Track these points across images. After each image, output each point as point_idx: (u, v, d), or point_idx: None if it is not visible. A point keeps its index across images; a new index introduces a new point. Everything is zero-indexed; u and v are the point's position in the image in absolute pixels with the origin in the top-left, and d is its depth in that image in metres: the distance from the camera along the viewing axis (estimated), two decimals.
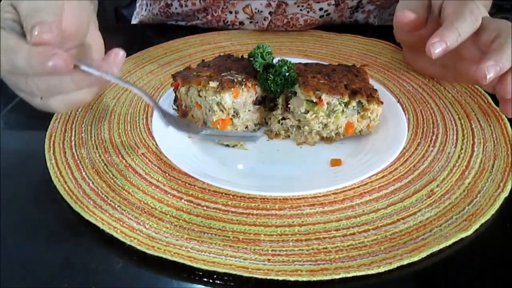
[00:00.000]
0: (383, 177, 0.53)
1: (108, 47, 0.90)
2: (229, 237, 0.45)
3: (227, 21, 0.92)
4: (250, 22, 0.91)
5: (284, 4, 0.87)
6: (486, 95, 0.68)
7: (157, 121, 0.58)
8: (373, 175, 0.52)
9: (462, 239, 0.45)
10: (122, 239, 0.44)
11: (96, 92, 0.48)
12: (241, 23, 0.92)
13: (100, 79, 0.44)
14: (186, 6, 0.91)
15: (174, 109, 0.62)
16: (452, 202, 0.49)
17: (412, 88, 0.71)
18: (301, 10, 0.89)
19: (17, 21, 0.45)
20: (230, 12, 0.90)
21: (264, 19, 0.89)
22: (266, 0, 0.86)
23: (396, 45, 0.84)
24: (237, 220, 0.47)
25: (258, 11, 0.88)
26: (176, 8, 0.93)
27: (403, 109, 0.62)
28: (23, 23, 0.44)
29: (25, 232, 0.47)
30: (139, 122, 0.64)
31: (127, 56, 0.80)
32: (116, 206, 0.48)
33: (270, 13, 0.88)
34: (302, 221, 0.47)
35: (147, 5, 1.03)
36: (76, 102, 0.47)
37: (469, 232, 0.45)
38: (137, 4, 1.10)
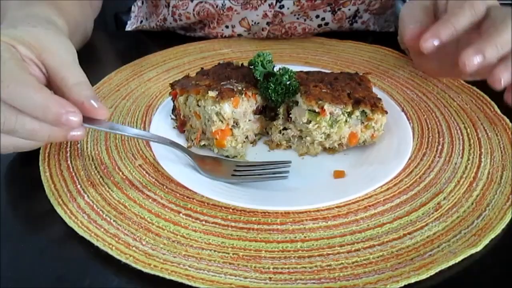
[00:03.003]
0: (388, 189, 0.51)
1: (107, 54, 0.89)
2: (228, 253, 0.43)
3: (225, 35, 0.91)
4: (248, 34, 0.90)
5: (281, 14, 0.85)
6: (492, 103, 0.67)
7: (155, 131, 0.57)
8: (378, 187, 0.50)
9: (471, 255, 0.43)
10: (117, 257, 0.42)
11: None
12: (240, 35, 0.90)
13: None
14: (181, 20, 0.90)
15: (172, 118, 0.60)
16: (460, 216, 0.48)
17: (416, 96, 0.69)
18: (298, 19, 0.87)
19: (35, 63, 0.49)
20: (227, 27, 0.89)
21: (262, 30, 0.88)
22: (263, 11, 0.84)
23: (399, 51, 0.83)
24: (237, 235, 0.45)
25: (255, 23, 0.87)
26: (170, 23, 0.92)
27: (407, 118, 0.60)
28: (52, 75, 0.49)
29: (18, 247, 0.45)
30: None
31: (125, 63, 0.79)
32: (111, 221, 0.46)
33: (267, 23, 0.87)
34: (305, 236, 0.45)
35: (146, 19, 1.02)
36: (20, 147, 0.49)
37: (479, 247, 0.44)
38: (132, 15, 1.09)
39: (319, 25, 0.89)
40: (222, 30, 0.90)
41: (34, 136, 0.46)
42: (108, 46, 0.94)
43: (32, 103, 0.43)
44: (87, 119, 0.47)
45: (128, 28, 1.09)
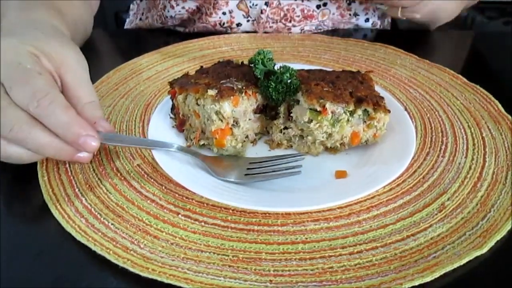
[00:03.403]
0: (391, 189, 0.51)
1: (106, 52, 0.88)
2: (228, 255, 0.42)
3: (223, 23, 0.90)
4: (247, 21, 0.89)
5: None
6: (496, 101, 0.66)
7: (153, 130, 0.56)
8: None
9: (476, 258, 0.42)
10: (115, 261, 0.41)
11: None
12: (239, 24, 0.90)
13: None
14: (178, 5, 0.89)
15: (171, 117, 0.59)
16: (464, 217, 0.47)
17: (419, 95, 0.68)
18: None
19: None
20: (224, 13, 0.88)
21: (262, 12, 0.87)
22: None
23: (401, 49, 0.82)
24: (237, 237, 0.45)
25: (253, 4, 0.86)
26: (168, 11, 0.91)
27: (410, 117, 0.59)
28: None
29: (16, 250, 0.44)
30: (135, 131, 0.61)
31: (124, 61, 0.79)
32: (109, 224, 0.46)
33: (266, 3, 0.86)
34: (306, 238, 0.44)
35: (142, 14, 1.01)
36: (22, 160, 0.48)
37: (484, 250, 0.43)
38: (131, 13, 1.08)
39: (318, 6, 0.89)
40: (220, 17, 0.89)
41: (42, 151, 0.47)
42: (107, 44, 0.94)
43: (57, 121, 0.45)
44: None
45: (127, 26, 1.08)
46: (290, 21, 0.89)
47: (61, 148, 0.46)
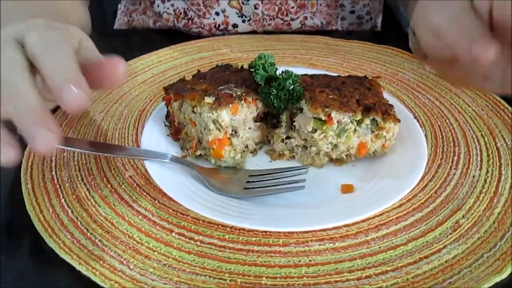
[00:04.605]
0: (400, 205, 0.47)
1: (102, 54, 0.84)
2: (225, 280, 0.39)
3: (218, 25, 0.86)
4: (243, 21, 0.86)
5: None
6: (510, 108, 0.63)
7: (147, 139, 0.53)
8: None
9: (496, 284, 0.39)
10: (101, 284, 0.38)
11: None
12: (235, 25, 0.86)
13: None
14: (169, 0, 0.85)
15: (166, 125, 0.56)
16: (481, 237, 0.43)
17: (428, 101, 0.65)
18: None
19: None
20: (217, 14, 0.85)
21: (255, 7, 0.84)
22: None
23: (408, 51, 0.78)
24: (235, 258, 0.41)
25: (245, 0, 0.83)
26: (158, 6, 0.88)
27: (419, 125, 0.56)
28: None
29: None
30: (128, 139, 0.58)
31: None
32: (96, 240, 0.42)
33: None
34: (310, 260, 0.41)
35: (127, 9, 0.97)
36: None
37: (504, 274, 0.39)
38: (119, 12, 1.04)
39: None
40: (214, 19, 0.86)
41: (15, 98, 0.37)
42: (101, 45, 0.90)
43: (54, 59, 0.38)
44: (70, 141, 0.46)
45: (116, 25, 1.05)
46: (287, 14, 0.86)
47: (34, 105, 0.37)
